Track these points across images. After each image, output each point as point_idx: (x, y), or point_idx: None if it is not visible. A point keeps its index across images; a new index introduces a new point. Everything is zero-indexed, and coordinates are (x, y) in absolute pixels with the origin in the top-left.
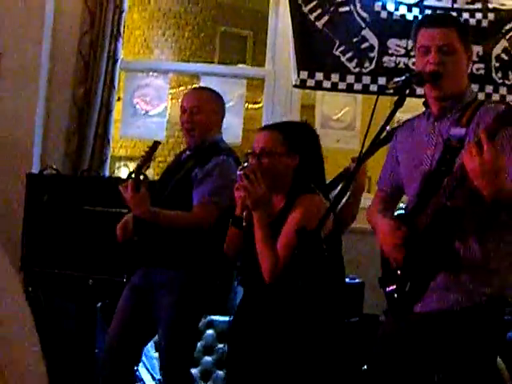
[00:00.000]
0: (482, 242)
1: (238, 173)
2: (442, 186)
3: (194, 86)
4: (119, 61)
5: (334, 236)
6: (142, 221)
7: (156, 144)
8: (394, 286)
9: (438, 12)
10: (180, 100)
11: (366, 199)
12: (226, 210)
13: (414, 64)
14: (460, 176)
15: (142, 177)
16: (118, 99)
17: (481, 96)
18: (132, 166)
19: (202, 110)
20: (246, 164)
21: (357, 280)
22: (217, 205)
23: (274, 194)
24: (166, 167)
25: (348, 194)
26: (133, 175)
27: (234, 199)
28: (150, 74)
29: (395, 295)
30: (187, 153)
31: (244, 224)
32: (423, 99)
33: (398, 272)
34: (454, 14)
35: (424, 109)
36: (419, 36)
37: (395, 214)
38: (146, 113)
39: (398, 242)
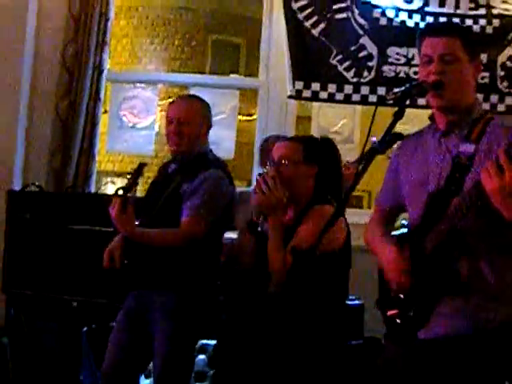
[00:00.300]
0: (494, 266)
1: (257, 178)
2: (452, 205)
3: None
4: (105, 71)
5: (344, 253)
6: (133, 242)
7: (142, 166)
8: (396, 311)
9: (440, 18)
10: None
11: (365, 215)
12: (218, 230)
13: (415, 73)
14: (475, 195)
15: (129, 195)
16: (105, 112)
17: (486, 106)
18: (120, 181)
19: (189, 121)
20: (264, 171)
21: (356, 301)
22: (204, 218)
23: (292, 203)
24: (153, 181)
25: None
26: (119, 192)
27: (221, 212)
28: (138, 85)
29: (398, 321)
30: (173, 166)
31: (259, 229)
32: (424, 110)
33: (401, 296)
34: (457, 19)
35: (429, 122)
36: (422, 45)
37: (397, 232)
38: (133, 126)
39: (405, 267)
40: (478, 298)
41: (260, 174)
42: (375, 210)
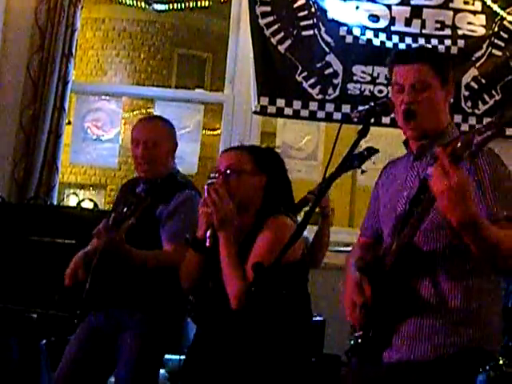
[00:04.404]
0: (458, 291)
1: (206, 187)
2: (409, 223)
3: (149, 110)
4: (70, 83)
5: (300, 267)
6: (103, 260)
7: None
8: (361, 332)
9: (405, 37)
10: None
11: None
12: None
13: (380, 91)
14: (426, 205)
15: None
16: (69, 123)
17: None
18: (82, 193)
19: (157, 144)
20: (211, 180)
21: (318, 318)
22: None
23: (242, 215)
24: (120, 199)
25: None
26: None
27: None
28: (103, 97)
29: (359, 340)
30: (142, 186)
31: (208, 245)
32: (388, 128)
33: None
34: (423, 39)
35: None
36: (393, 73)
37: None
38: (97, 138)
39: (357, 301)
40: (440, 321)
41: (209, 184)
42: (358, 237)
